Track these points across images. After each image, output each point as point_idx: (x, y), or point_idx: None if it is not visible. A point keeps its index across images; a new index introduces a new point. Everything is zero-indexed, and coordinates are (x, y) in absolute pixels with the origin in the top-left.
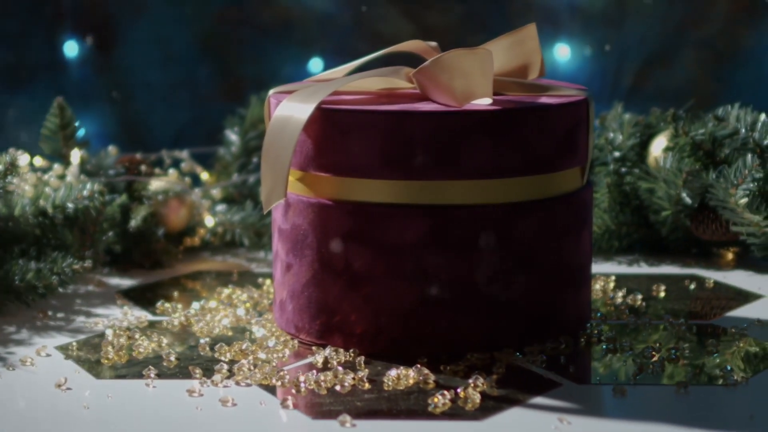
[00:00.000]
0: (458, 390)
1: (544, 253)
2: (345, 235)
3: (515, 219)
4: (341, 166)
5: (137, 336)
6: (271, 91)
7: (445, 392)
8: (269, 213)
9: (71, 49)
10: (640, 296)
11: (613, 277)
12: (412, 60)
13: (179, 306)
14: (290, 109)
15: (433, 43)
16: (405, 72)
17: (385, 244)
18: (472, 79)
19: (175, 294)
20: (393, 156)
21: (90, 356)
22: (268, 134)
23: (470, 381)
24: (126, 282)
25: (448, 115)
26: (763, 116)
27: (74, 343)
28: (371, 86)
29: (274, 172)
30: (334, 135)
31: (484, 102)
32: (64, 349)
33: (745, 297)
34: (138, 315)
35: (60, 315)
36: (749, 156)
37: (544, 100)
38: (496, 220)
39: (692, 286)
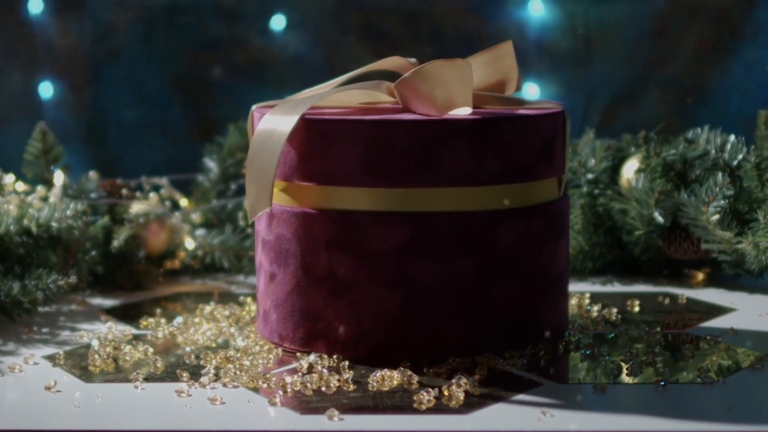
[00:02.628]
0: (442, 388)
1: (523, 261)
2: (328, 243)
3: (495, 226)
4: (324, 176)
5: (123, 346)
6: (254, 106)
7: (430, 390)
8: (248, 236)
9: (46, 90)
10: (615, 310)
11: (588, 294)
12: (392, 78)
13: (162, 320)
14: (274, 122)
15: (413, 59)
16: (386, 86)
17: (368, 250)
18: (453, 89)
19: (158, 311)
20: (375, 164)
21: (77, 366)
22: (253, 147)
23: (453, 381)
24: (108, 302)
25: (428, 123)
26: (732, 137)
27: (61, 353)
28: (352, 100)
29: (259, 183)
30: (318, 145)
31: (464, 111)
32: (51, 358)
33: (718, 310)
34: (122, 329)
35: (45, 330)
36: (720, 174)
37: (522, 112)
38: (477, 226)
39: (666, 302)
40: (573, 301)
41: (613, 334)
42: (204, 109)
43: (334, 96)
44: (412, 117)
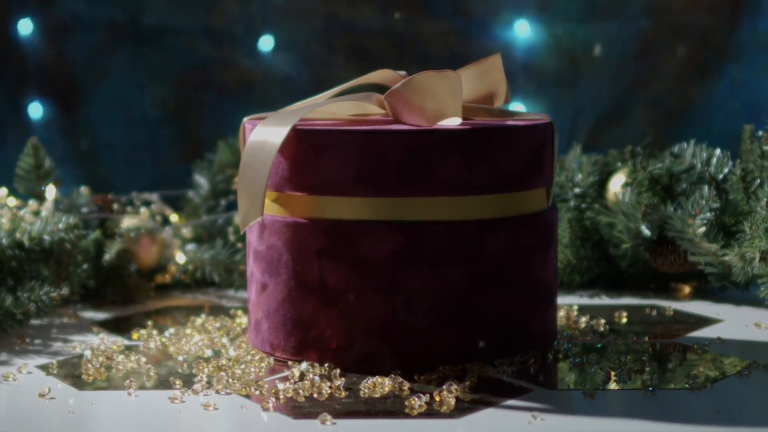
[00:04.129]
0: (433, 394)
1: (512, 270)
2: (320, 252)
3: (484, 235)
4: (316, 186)
5: (116, 356)
6: (245, 118)
7: (421, 395)
8: (238, 251)
9: (35, 110)
10: (603, 321)
11: (576, 306)
12: (382, 91)
13: (154, 332)
14: (265, 133)
15: (402, 72)
16: (376, 98)
17: (359, 260)
18: (442, 99)
19: (149, 324)
20: (366, 174)
21: (70, 375)
22: (244, 158)
23: (444, 386)
24: (99, 315)
25: (419, 133)
26: (718, 151)
27: (54, 362)
28: (343, 111)
29: (250, 194)
30: (309, 155)
31: (453, 122)
32: (44, 368)
33: (705, 321)
34: (114, 340)
35: (38, 341)
36: (706, 187)
37: (511, 123)
38: (467, 235)
39: (653, 314)
40: (561, 313)
41: (601, 344)
42: (193, 130)
43: (325, 108)
44: (403, 128)
